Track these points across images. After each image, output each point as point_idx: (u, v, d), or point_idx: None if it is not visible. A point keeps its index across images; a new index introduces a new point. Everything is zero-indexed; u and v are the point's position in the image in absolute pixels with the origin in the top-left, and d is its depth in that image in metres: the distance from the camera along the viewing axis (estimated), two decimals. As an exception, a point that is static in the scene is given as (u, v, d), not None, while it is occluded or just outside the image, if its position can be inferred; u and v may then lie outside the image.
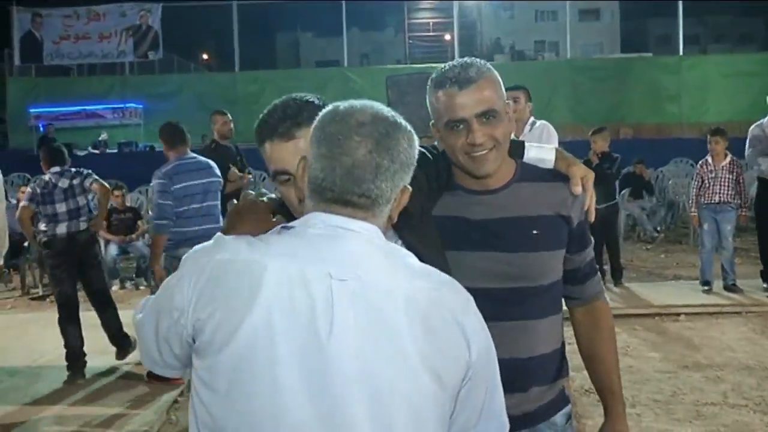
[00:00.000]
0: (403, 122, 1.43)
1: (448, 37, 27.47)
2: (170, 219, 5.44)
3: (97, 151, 18.79)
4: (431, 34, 30.56)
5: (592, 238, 2.16)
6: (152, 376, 5.57)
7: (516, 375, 1.98)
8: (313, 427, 1.27)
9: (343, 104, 1.42)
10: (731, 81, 19.37)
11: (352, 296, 1.29)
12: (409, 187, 1.44)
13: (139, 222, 10.02)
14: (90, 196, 6.23)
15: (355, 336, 1.28)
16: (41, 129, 19.94)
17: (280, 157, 1.66)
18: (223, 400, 1.31)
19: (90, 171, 6.33)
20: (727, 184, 8.18)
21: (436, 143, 2.04)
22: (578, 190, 1.99)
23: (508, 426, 1.47)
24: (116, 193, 10.10)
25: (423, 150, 2.05)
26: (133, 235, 9.73)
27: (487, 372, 1.41)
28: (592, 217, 2.04)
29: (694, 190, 8.31)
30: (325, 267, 1.31)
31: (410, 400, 1.29)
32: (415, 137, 1.43)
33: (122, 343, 6.12)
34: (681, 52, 21.38)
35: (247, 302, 1.29)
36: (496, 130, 1.90)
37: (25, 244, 9.54)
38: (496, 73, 1.95)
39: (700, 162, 8.36)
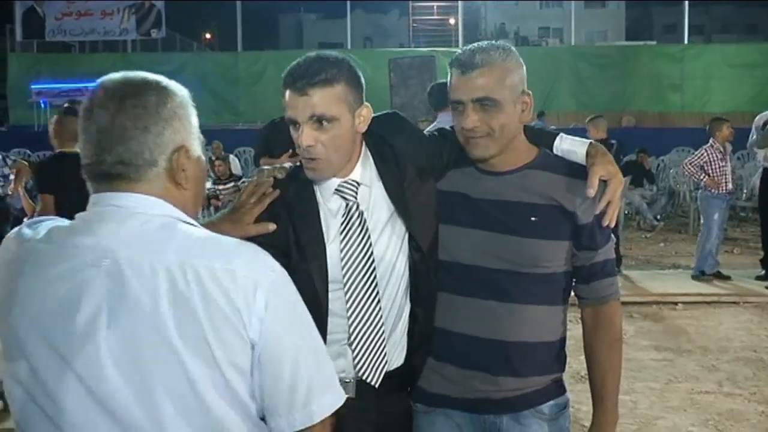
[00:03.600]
0: (154, 82, 1.37)
1: (452, 21, 27.32)
2: None
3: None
4: (435, 18, 30.35)
5: (613, 237, 2.06)
6: None
7: (496, 357, 1.98)
8: (80, 409, 1.25)
9: (99, 80, 1.39)
10: (735, 71, 19.30)
11: (107, 280, 1.25)
12: (192, 148, 1.38)
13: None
14: None
15: (110, 321, 1.24)
16: (42, 105, 19.88)
17: (292, 106, 1.83)
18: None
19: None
20: (732, 171, 8.20)
21: (434, 124, 2.07)
22: (591, 192, 1.91)
23: (344, 397, 1.40)
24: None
25: (439, 132, 2.12)
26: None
27: (288, 348, 1.32)
28: (605, 223, 1.94)
29: (692, 169, 8.25)
30: (82, 253, 1.27)
31: (179, 382, 1.24)
32: (171, 96, 1.37)
33: None
34: (686, 41, 21.29)
35: (11, 289, 1.30)
36: (492, 119, 1.91)
37: (25, 219, 9.57)
38: (511, 62, 1.94)
39: (705, 148, 8.26)
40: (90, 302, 1.25)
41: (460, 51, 1.98)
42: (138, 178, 1.32)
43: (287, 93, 1.83)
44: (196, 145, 1.39)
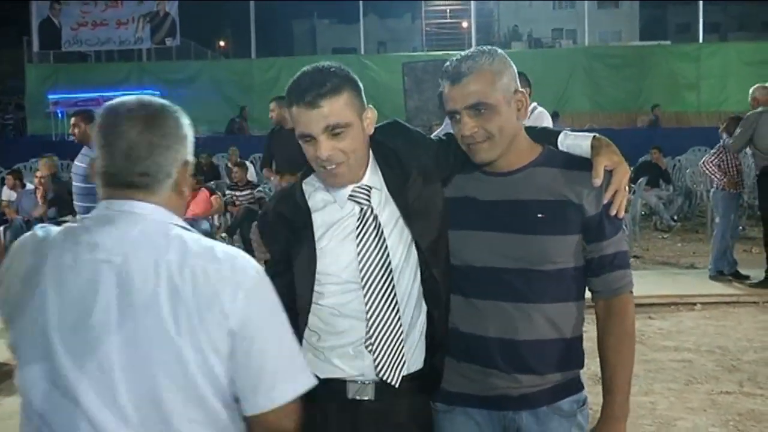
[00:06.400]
0: (170, 107, 1.59)
1: (465, 24, 27.30)
2: None
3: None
4: (448, 21, 30.33)
5: (625, 230, 2.11)
6: None
7: (513, 356, 2.00)
8: (84, 391, 1.43)
9: (114, 101, 1.59)
10: (752, 69, 19.08)
11: (117, 275, 1.46)
12: (190, 159, 1.60)
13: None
14: None
15: (119, 311, 1.44)
16: (59, 115, 20.05)
17: (305, 121, 1.86)
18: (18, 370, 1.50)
19: None
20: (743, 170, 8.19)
21: (442, 127, 2.09)
22: (596, 182, 1.96)
23: (313, 381, 1.58)
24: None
25: (446, 135, 2.15)
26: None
27: (260, 339, 1.50)
28: (614, 212, 1.99)
29: (712, 168, 8.18)
30: (96, 250, 1.48)
31: (171, 364, 1.44)
32: (182, 120, 1.59)
33: None
34: (701, 40, 21.14)
35: (31, 287, 1.49)
36: (488, 123, 1.94)
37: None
38: (499, 64, 1.98)
39: (720, 148, 8.23)
40: (103, 298, 1.45)
41: (448, 63, 2.02)
42: (155, 189, 1.55)
43: (294, 109, 1.86)
44: (191, 157, 1.63)
